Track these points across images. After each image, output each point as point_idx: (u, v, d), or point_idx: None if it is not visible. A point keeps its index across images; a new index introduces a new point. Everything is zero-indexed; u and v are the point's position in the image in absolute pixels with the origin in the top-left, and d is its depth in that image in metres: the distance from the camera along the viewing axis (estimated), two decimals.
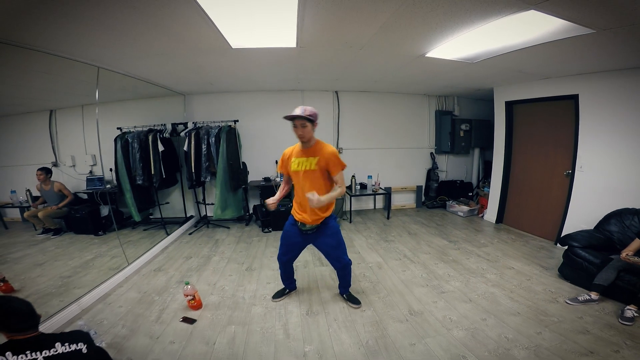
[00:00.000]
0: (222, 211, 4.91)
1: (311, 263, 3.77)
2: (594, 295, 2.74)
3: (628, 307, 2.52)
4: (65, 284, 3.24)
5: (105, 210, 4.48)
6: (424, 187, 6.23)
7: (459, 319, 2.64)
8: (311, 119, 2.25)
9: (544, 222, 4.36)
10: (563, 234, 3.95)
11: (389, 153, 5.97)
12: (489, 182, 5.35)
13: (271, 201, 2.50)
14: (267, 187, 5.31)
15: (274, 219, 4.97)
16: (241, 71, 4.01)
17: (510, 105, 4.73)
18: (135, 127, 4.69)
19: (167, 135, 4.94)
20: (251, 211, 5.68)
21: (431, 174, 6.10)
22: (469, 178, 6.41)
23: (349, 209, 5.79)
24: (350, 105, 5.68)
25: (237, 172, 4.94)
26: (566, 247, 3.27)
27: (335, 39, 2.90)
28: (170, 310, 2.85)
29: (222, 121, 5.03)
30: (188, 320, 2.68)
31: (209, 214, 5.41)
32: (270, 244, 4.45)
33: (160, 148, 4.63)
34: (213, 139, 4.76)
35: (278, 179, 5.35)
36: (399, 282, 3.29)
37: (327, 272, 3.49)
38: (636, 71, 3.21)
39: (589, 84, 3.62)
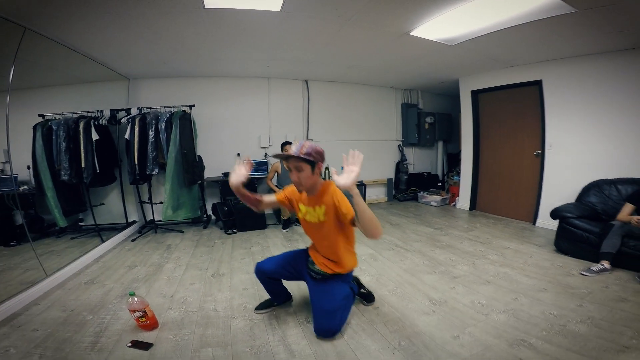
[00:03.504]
0: (174, 211, 3.87)
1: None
2: (606, 264, 2.50)
3: None
4: None
5: (19, 217, 3.20)
6: (394, 180, 5.89)
7: (489, 301, 2.15)
8: (310, 160, 1.59)
9: (518, 205, 4.24)
10: (540, 212, 3.87)
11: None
12: (458, 172, 5.21)
13: (237, 175, 1.67)
14: (228, 182, 4.41)
15: (239, 218, 4.05)
16: (205, 45, 3.23)
17: (475, 94, 4.67)
18: (62, 114, 3.48)
19: (104, 122, 3.75)
20: (209, 212, 4.65)
21: (400, 166, 5.80)
22: (434, 170, 6.28)
23: None
24: (320, 95, 5.14)
25: (192, 163, 3.98)
26: (558, 221, 3.05)
27: (326, 4, 2.41)
28: (112, 333, 1.87)
29: (174, 106, 4.04)
30: (141, 345, 1.74)
31: (156, 218, 4.22)
32: (237, 245, 3.55)
33: (95, 137, 3.48)
34: (163, 124, 3.76)
35: None
36: (403, 272, 2.72)
37: None
38: (596, 56, 3.29)
39: (552, 70, 3.67)
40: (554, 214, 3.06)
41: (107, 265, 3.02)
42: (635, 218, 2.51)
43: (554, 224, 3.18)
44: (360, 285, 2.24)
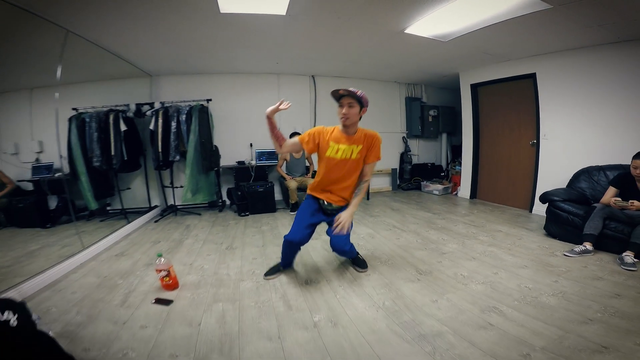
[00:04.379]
0: (193, 195, 4.18)
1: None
2: (588, 245, 2.58)
3: (625, 253, 2.39)
4: (3, 273, 2.41)
5: (54, 202, 3.58)
6: (398, 170, 6.02)
7: (471, 274, 2.32)
8: (361, 100, 1.93)
9: (516, 193, 4.31)
10: (536, 200, 3.93)
11: None
12: (459, 162, 5.29)
13: (274, 107, 1.96)
14: (243, 169, 4.70)
15: (251, 202, 4.34)
16: (221, 45, 3.49)
17: (475, 88, 4.72)
18: (93, 107, 3.82)
19: (130, 114, 4.10)
20: (224, 197, 4.97)
21: (404, 157, 5.92)
22: (438, 161, 6.36)
23: None
24: (327, 90, 5.20)
25: (209, 152, 4.27)
26: (547, 205, 3.15)
27: (325, 7, 2.60)
28: (139, 293, 2.15)
29: (193, 100, 4.33)
30: (163, 302, 2.02)
31: (176, 202, 4.54)
32: (249, 225, 3.83)
33: (123, 127, 3.82)
34: (184, 116, 4.06)
35: (253, 162, 4.77)
36: (397, 247, 2.92)
37: (319, 244, 3.02)
38: (585, 50, 3.36)
39: (545, 63, 3.74)
40: (543, 198, 3.15)
41: (134, 241, 3.35)
42: (614, 199, 2.59)
43: None
44: (357, 252, 2.50)
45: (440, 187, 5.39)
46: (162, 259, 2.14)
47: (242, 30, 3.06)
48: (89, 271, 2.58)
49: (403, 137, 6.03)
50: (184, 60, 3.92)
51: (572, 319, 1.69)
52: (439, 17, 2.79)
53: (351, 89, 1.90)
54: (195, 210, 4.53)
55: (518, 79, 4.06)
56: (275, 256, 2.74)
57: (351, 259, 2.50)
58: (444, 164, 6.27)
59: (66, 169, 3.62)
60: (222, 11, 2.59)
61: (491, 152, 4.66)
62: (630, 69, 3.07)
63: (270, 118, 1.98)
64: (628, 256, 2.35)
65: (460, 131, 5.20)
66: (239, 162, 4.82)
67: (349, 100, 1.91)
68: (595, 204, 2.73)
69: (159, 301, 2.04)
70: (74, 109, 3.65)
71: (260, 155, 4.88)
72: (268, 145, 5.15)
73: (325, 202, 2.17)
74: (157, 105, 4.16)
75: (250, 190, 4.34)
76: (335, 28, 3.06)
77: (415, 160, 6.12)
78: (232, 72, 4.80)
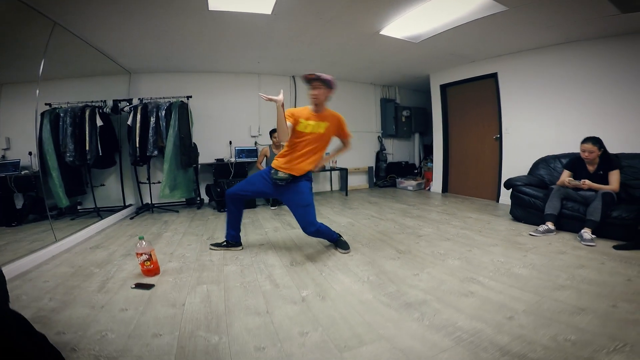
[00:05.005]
0: (171, 191, 4.04)
1: (281, 228, 3.26)
2: (550, 225, 2.77)
3: (583, 230, 2.56)
4: None
5: (20, 201, 3.33)
6: (374, 168, 6.18)
7: (447, 252, 2.42)
8: (328, 83, 2.18)
9: (483, 185, 4.57)
10: (501, 190, 4.19)
11: None
12: (431, 159, 5.54)
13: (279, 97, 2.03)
14: (222, 166, 4.61)
15: None
16: (206, 43, 3.47)
17: (444, 88, 5.00)
18: (68, 103, 3.64)
19: (107, 110, 3.93)
20: (203, 195, 4.83)
21: (380, 155, 6.10)
22: (412, 160, 6.59)
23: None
24: (306, 90, 5.37)
25: (188, 147, 4.16)
26: (511, 191, 3.36)
27: (309, 8, 2.71)
28: (117, 280, 2.04)
29: (173, 97, 4.23)
30: (143, 286, 1.93)
31: (153, 200, 4.35)
32: None
33: (99, 122, 3.65)
34: (163, 112, 3.95)
35: (233, 160, 4.71)
36: (376, 232, 2.99)
37: (301, 232, 3.02)
38: (539, 50, 3.70)
39: (505, 63, 4.05)
40: (507, 183, 3.37)
41: (109, 235, 3.17)
42: (567, 180, 2.83)
43: None
44: (339, 235, 2.56)
45: (414, 182, 5.60)
46: (144, 242, 2.05)
47: (227, 28, 3.07)
48: (62, 262, 2.41)
49: (378, 137, 6.21)
50: (166, 58, 3.85)
51: (545, 286, 1.79)
52: (411, 19, 2.96)
53: (319, 73, 2.12)
54: (172, 208, 4.36)
55: (482, 79, 4.35)
56: (257, 244, 2.73)
57: (334, 242, 2.54)
58: (417, 162, 6.51)
59: (35, 166, 3.39)
60: (210, 8, 2.59)
61: (460, 148, 4.93)
62: (578, 67, 3.42)
63: (280, 106, 2.02)
64: (586, 232, 2.53)
65: (431, 131, 5.46)
66: (217, 160, 4.73)
67: (317, 83, 2.15)
68: (552, 186, 2.96)
69: (139, 286, 1.94)
70: (47, 104, 3.45)
71: (240, 152, 4.84)
72: (247, 142, 5.13)
73: (272, 171, 2.31)
74: (135, 102, 4.02)
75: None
76: (317, 29, 3.15)
77: (390, 159, 6.30)
78: (213, 71, 4.75)
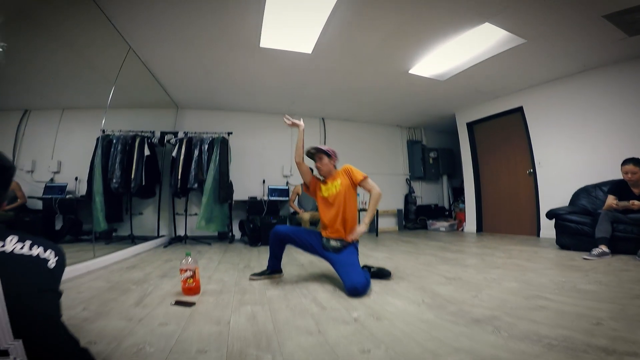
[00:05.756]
0: (207, 223, 4.07)
1: (316, 261, 3.10)
2: (604, 248, 2.58)
3: None
4: None
5: (59, 222, 3.46)
6: (403, 211, 6.05)
7: (500, 277, 2.22)
8: (328, 153, 2.30)
9: (520, 221, 4.34)
10: (541, 224, 3.98)
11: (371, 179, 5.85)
12: (462, 200, 5.40)
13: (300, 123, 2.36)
14: (255, 202, 4.67)
15: (264, 233, 4.21)
16: (249, 78, 3.82)
17: (471, 126, 5.08)
18: (120, 130, 3.97)
19: (155, 141, 4.23)
20: (234, 230, 4.80)
21: (409, 198, 6.03)
22: (441, 202, 6.44)
23: None
24: (335, 132, 5.66)
25: (226, 182, 4.30)
26: (554, 221, 3.22)
27: (344, 48, 3.04)
28: (155, 297, 1.95)
29: (214, 133, 4.52)
30: (184, 304, 1.83)
31: (187, 233, 4.39)
32: (264, 252, 3.65)
33: (147, 152, 3.92)
34: (206, 146, 4.21)
35: (265, 198, 4.79)
36: (417, 264, 2.81)
37: None
38: (561, 80, 3.79)
39: (529, 96, 4.14)
40: (550, 214, 3.25)
41: (144, 259, 3.14)
42: (615, 202, 2.70)
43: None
44: (368, 268, 2.37)
45: (446, 224, 5.39)
46: (190, 258, 2.01)
47: (272, 65, 3.39)
48: (98, 277, 2.38)
49: (407, 179, 6.20)
50: (211, 93, 4.23)
51: (621, 297, 1.61)
52: (437, 57, 3.19)
53: (318, 146, 2.28)
54: (204, 241, 4.34)
55: (508, 114, 4.41)
56: (295, 274, 2.62)
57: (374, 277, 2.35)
58: (446, 204, 6.35)
59: (78, 191, 3.58)
60: (261, 45, 2.92)
61: (492, 185, 4.80)
62: (600, 93, 3.48)
63: (302, 133, 2.35)
64: None
65: (459, 173, 5.43)
66: (251, 198, 4.82)
67: (319, 155, 2.29)
68: (599, 211, 2.81)
69: (179, 303, 1.85)
70: (102, 130, 3.77)
71: (273, 191, 4.93)
72: (280, 182, 5.25)
73: (325, 239, 2.29)
74: (180, 135, 4.33)
75: (263, 222, 4.27)
76: (350, 68, 3.43)
77: (419, 202, 6.20)
78: (251, 110, 5.12)
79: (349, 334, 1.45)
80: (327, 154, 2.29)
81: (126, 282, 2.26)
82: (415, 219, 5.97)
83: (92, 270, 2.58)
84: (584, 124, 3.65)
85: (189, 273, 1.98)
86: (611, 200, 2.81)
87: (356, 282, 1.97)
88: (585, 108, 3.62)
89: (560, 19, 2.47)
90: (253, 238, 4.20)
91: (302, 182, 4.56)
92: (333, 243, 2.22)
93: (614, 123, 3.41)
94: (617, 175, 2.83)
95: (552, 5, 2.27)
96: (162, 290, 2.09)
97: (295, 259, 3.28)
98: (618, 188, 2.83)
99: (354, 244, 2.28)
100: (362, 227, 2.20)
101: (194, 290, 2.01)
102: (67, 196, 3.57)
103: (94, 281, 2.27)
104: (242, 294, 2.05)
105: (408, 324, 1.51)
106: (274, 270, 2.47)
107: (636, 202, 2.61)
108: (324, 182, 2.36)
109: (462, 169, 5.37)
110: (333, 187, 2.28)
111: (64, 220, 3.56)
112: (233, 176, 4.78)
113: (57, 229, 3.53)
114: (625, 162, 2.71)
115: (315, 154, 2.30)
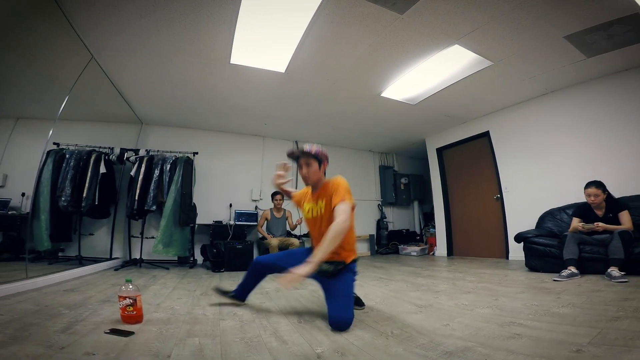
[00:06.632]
0: (164, 247, 3.71)
1: (283, 289, 2.88)
2: (573, 269, 2.59)
3: (609, 269, 2.41)
4: None
5: None
6: (375, 236, 5.97)
7: (472, 303, 2.11)
8: (318, 157, 1.81)
9: (490, 244, 4.38)
10: (510, 247, 4.04)
11: (348, 208, 5.72)
12: (433, 225, 5.42)
13: (278, 175, 2.03)
14: (220, 227, 4.37)
15: (228, 259, 3.88)
16: (219, 96, 3.69)
17: (440, 152, 5.21)
18: (76, 145, 3.63)
19: (113, 158, 3.90)
20: (197, 255, 4.42)
21: (380, 223, 6.00)
22: (412, 228, 6.46)
23: None
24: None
25: (188, 205, 4.00)
26: (522, 244, 3.25)
27: (318, 68, 3.04)
28: (89, 323, 1.65)
29: (179, 152, 4.28)
30: (120, 332, 1.54)
31: (142, 256, 3.94)
32: (225, 278, 3.34)
33: (102, 170, 3.58)
34: (168, 166, 3.94)
35: (231, 222, 4.50)
36: (388, 291, 2.64)
37: (306, 292, 2.66)
38: (525, 104, 3.94)
39: (495, 120, 4.29)
40: (518, 237, 3.28)
41: (89, 281, 2.75)
42: (580, 225, 2.77)
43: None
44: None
45: (417, 248, 5.35)
46: (130, 285, 1.73)
47: (242, 83, 3.30)
48: (26, 299, 2.03)
49: (378, 205, 6.19)
50: (178, 110, 4.03)
51: (598, 320, 1.54)
52: (408, 81, 3.26)
53: (306, 147, 1.80)
54: (162, 265, 3.92)
55: (475, 139, 4.56)
56: (258, 303, 2.34)
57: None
58: (417, 229, 6.38)
59: (24, 208, 3.17)
60: (232, 61, 2.84)
61: (461, 210, 4.87)
62: (562, 115, 3.62)
63: (279, 185, 2.05)
64: (614, 271, 2.37)
65: (429, 199, 5.49)
66: (216, 222, 4.52)
67: (305, 159, 1.79)
68: (565, 233, 2.85)
69: (115, 332, 1.55)
70: (55, 143, 3.41)
71: (240, 215, 4.67)
72: (248, 206, 4.99)
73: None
74: (142, 152, 4.04)
75: (228, 247, 3.96)
76: (323, 90, 3.43)
77: (390, 227, 6.17)
78: (220, 130, 4.93)
79: None
80: (317, 158, 1.79)
81: (58, 306, 1.92)
82: (387, 244, 5.92)
83: (22, 291, 2.22)
84: (547, 146, 3.78)
85: (128, 301, 1.69)
86: (576, 222, 2.87)
87: (344, 317, 1.68)
88: (548, 131, 3.77)
89: (525, 39, 2.59)
90: (216, 264, 3.86)
91: (271, 207, 4.32)
92: (324, 266, 1.75)
93: (575, 146, 3.55)
94: (581, 198, 2.92)
95: (519, 26, 2.39)
96: (99, 317, 1.78)
97: (260, 286, 2.98)
98: (582, 210, 2.92)
99: (351, 269, 1.89)
100: (304, 268, 1.55)
101: (134, 318, 1.71)
102: (10, 212, 3.16)
103: (20, 304, 1.93)
104: (192, 325, 1.77)
105: (374, 359, 1.32)
106: (237, 297, 2.18)
107: (600, 224, 2.68)
108: (309, 199, 1.92)
109: (432, 195, 5.44)
110: (317, 209, 1.85)
111: (4, 237, 3.12)
112: (197, 199, 4.49)
113: None
114: (588, 185, 2.82)
115: (301, 157, 1.80)
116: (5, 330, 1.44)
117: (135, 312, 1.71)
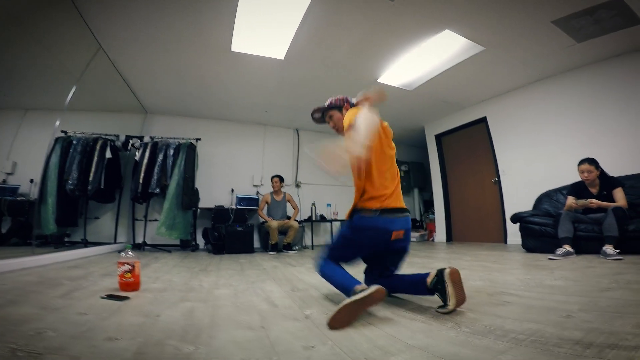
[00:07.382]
0: (168, 230, 3.75)
1: (280, 266, 2.94)
2: (568, 247, 2.55)
3: (604, 247, 2.37)
4: None
5: (7, 225, 3.11)
6: None
7: (466, 276, 1.94)
8: (335, 106, 1.71)
9: (488, 229, 4.33)
10: (508, 231, 4.00)
11: (343, 189, 5.63)
12: (432, 212, 5.38)
13: None
14: (222, 211, 4.40)
15: (229, 241, 3.92)
16: (222, 84, 3.70)
17: (439, 138, 5.16)
18: (83, 133, 3.69)
19: (119, 144, 3.95)
20: (198, 239, 4.47)
21: None
22: (413, 214, 6.39)
23: (310, 242, 5.06)
24: (309, 143, 5.55)
25: (191, 189, 4.04)
26: (519, 226, 3.22)
27: (315, 55, 2.99)
28: (87, 291, 1.69)
29: (182, 138, 4.31)
30: (116, 297, 1.57)
31: (146, 240, 4.02)
32: (225, 260, 3.36)
33: (108, 155, 3.64)
34: (172, 151, 3.98)
35: (233, 206, 4.53)
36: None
37: (303, 269, 2.68)
38: (521, 89, 3.91)
39: (492, 106, 4.25)
40: (514, 218, 3.25)
41: (92, 260, 2.80)
42: (574, 202, 2.73)
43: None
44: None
45: (417, 234, 5.32)
46: (130, 252, 1.77)
47: (244, 70, 3.30)
48: (31, 273, 2.08)
49: None
50: (181, 100, 4.06)
51: (589, 290, 1.52)
52: (404, 67, 3.22)
53: (320, 106, 1.75)
54: (164, 248, 3.98)
55: (473, 125, 4.51)
56: (254, 275, 2.37)
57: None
58: (417, 216, 6.32)
59: (32, 194, 3.24)
60: (233, 49, 2.83)
61: (460, 195, 4.82)
62: (556, 100, 3.60)
63: None
64: (608, 249, 2.34)
65: (429, 187, 5.44)
66: (217, 206, 4.55)
67: (327, 115, 1.73)
68: (560, 212, 2.82)
69: (111, 297, 1.58)
70: (63, 131, 3.48)
71: (241, 200, 4.70)
72: (249, 191, 5.03)
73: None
74: (146, 139, 4.08)
75: (229, 229, 3.99)
76: (321, 75, 3.40)
77: None
78: (222, 118, 4.95)
79: (296, 330, 1.25)
80: (335, 107, 1.69)
81: (61, 279, 1.97)
82: None
83: (27, 267, 2.28)
84: (542, 131, 3.77)
85: (127, 267, 1.73)
86: (570, 200, 2.84)
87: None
88: (543, 116, 3.76)
89: (513, 24, 2.56)
90: (217, 247, 3.91)
91: (270, 191, 4.30)
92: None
93: (570, 129, 3.54)
94: (576, 178, 2.89)
95: (504, 11, 2.35)
96: (97, 287, 1.82)
97: (259, 264, 3.04)
98: (576, 189, 2.89)
99: (353, 219, 1.59)
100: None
101: (131, 286, 1.75)
102: (19, 198, 3.23)
103: (24, 276, 1.98)
104: (187, 292, 1.80)
105: (362, 320, 1.32)
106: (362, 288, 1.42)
107: (594, 200, 2.65)
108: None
109: (431, 183, 5.39)
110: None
111: (12, 222, 3.17)
112: (200, 184, 4.53)
113: (4, 232, 3.13)
114: (582, 162, 2.79)
115: (323, 116, 1.72)
116: (6, 296, 1.49)
117: (132, 279, 1.74)
